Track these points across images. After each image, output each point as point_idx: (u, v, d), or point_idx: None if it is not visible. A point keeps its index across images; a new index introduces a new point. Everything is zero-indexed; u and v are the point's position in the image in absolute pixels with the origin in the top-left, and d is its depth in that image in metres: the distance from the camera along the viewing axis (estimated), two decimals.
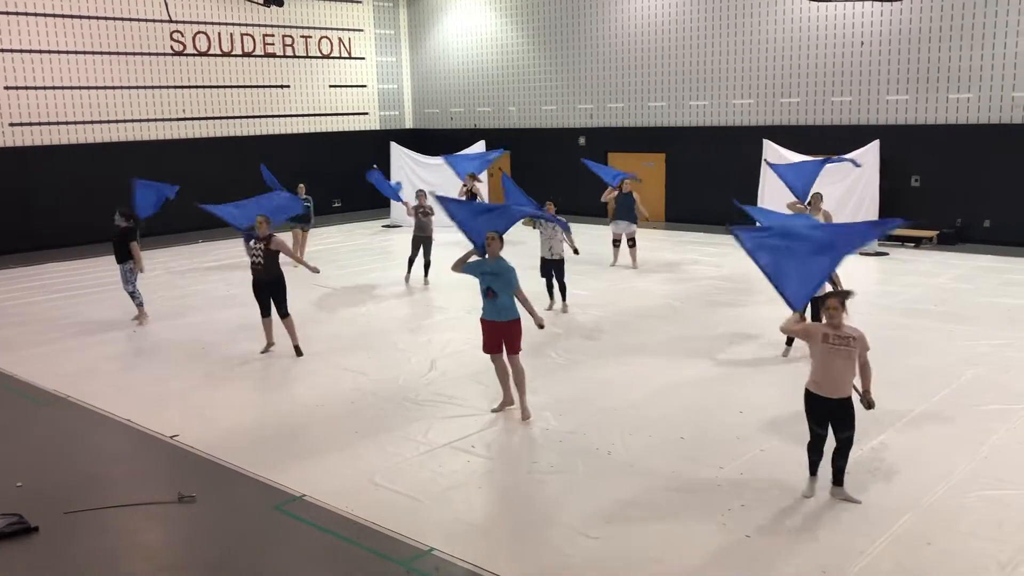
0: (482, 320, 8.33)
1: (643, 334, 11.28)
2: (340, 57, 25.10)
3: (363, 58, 25.73)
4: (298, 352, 10.47)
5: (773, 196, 18.00)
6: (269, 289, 10.48)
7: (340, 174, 24.97)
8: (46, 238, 19.48)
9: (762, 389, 9.13)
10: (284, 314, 10.48)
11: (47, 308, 13.74)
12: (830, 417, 6.37)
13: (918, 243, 17.33)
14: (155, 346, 11.42)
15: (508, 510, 6.50)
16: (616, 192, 15.99)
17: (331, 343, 11.09)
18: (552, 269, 12.44)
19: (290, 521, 6.48)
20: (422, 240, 14.62)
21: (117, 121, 20.77)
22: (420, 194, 14.98)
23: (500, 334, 8.21)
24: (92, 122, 20.36)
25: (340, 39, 25.03)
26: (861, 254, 16.76)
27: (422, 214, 14.77)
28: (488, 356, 8.43)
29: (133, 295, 12.39)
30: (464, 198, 18.19)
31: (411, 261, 14.76)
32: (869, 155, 16.98)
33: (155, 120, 21.43)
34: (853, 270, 14.53)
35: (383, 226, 22.29)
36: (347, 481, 7.06)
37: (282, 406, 8.99)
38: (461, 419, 8.38)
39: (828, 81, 18.86)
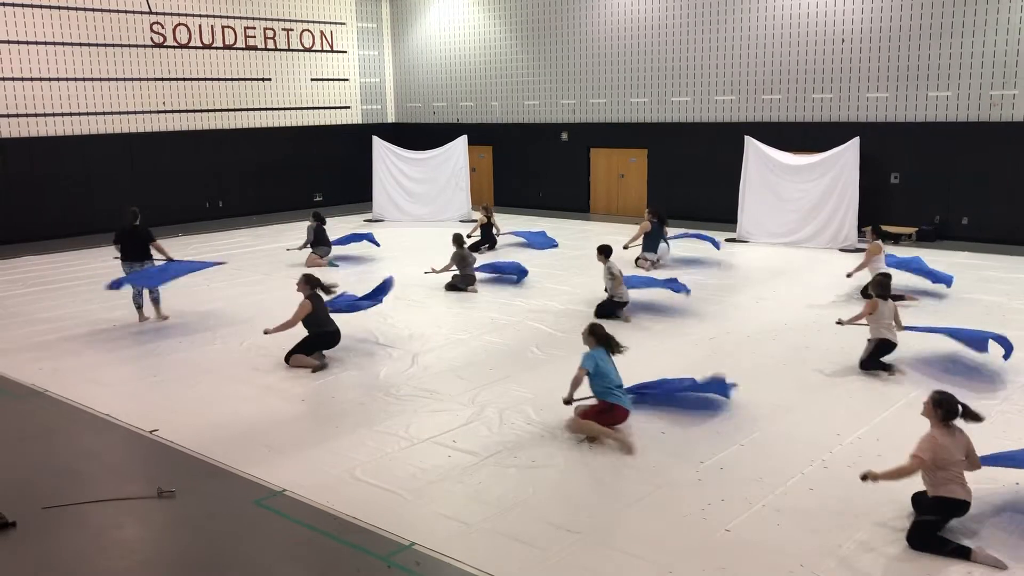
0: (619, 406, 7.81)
1: (621, 330, 11.31)
2: (322, 50, 24.97)
3: (345, 51, 25.62)
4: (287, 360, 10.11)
5: (755, 189, 18.13)
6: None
7: (322, 168, 24.89)
8: (23, 231, 19.29)
9: (740, 384, 9.17)
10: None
11: (24, 302, 13.61)
12: None
13: (897, 240, 17.46)
14: (133, 341, 11.34)
15: (489, 505, 6.50)
16: (648, 226, 15.36)
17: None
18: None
19: (270, 516, 6.46)
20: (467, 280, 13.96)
21: (96, 113, 20.57)
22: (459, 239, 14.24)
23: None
24: (71, 114, 20.16)
25: (322, 32, 24.91)
26: (841, 250, 16.89)
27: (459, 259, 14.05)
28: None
29: (137, 295, 12.11)
30: (479, 230, 17.85)
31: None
32: (849, 152, 17.11)
33: (134, 112, 21.23)
34: (834, 266, 14.65)
35: (365, 220, 22.22)
36: (327, 476, 7.04)
37: (262, 401, 8.94)
38: (442, 414, 8.38)
39: (809, 78, 18.96)
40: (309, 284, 10.21)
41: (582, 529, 6.11)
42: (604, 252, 12.22)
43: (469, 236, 17.10)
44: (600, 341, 7.95)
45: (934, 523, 5.79)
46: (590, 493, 6.73)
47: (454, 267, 13.97)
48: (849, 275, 13.01)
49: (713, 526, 6.12)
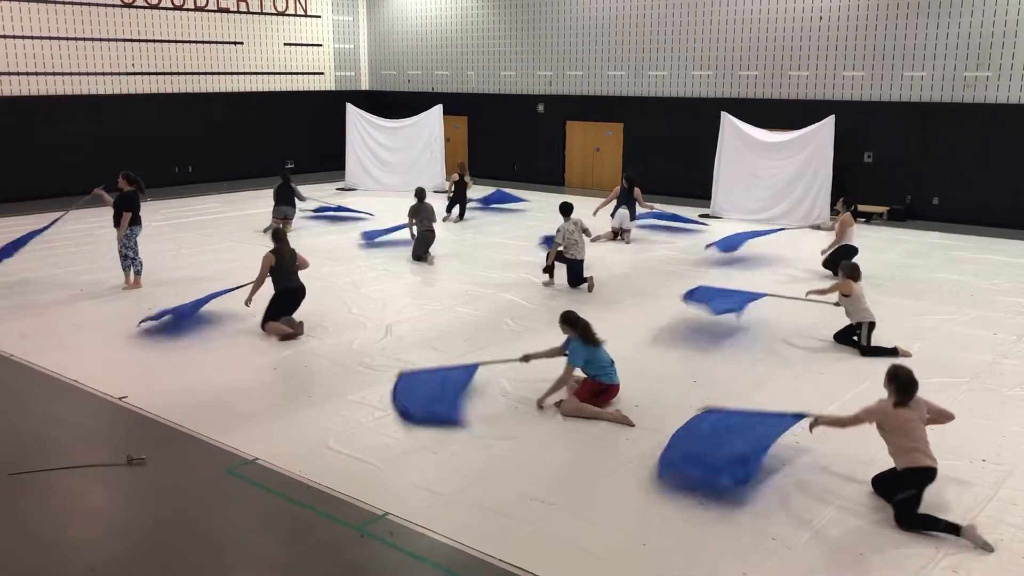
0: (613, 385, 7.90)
1: (596, 303, 11.32)
2: (295, 14, 24.56)
3: (319, 16, 25.22)
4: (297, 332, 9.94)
5: (730, 166, 18.18)
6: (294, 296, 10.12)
7: (294, 135, 24.56)
8: None
9: (715, 359, 9.23)
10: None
11: None
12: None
13: (868, 219, 17.60)
14: (102, 307, 11.16)
15: (463, 476, 6.50)
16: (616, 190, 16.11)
17: None
18: (566, 266, 12.10)
19: (242, 484, 6.41)
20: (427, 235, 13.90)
21: (61, 73, 20.10)
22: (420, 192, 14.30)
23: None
24: (35, 74, 19.67)
25: None
26: (812, 227, 16.99)
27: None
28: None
29: (132, 261, 11.89)
30: (452, 187, 17.78)
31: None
32: (824, 130, 17.18)
33: (102, 74, 20.78)
34: (805, 244, 14.73)
35: (337, 188, 22.00)
36: (300, 445, 6.99)
37: (234, 369, 8.85)
38: None
39: (786, 55, 18.97)
40: (275, 239, 10.18)
41: (556, 501, 6.13)
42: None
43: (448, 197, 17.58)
44: (576, 329, 7.81)
45: (913, 498, 5.82)
46: (564, 465, 6.75)
47: (415, 222, 13.84)
48: (824, 252, 13.04)
49: (688, 500, 6.15)
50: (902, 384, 5.96)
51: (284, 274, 10.04)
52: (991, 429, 7.39)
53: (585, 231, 12.23)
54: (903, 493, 5.84)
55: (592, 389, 7.77)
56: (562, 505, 6.07)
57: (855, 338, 9.46)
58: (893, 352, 9.26)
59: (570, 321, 7.88)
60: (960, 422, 7.42)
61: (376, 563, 5.47)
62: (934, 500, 6.13)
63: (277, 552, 5.58)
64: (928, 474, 5.87)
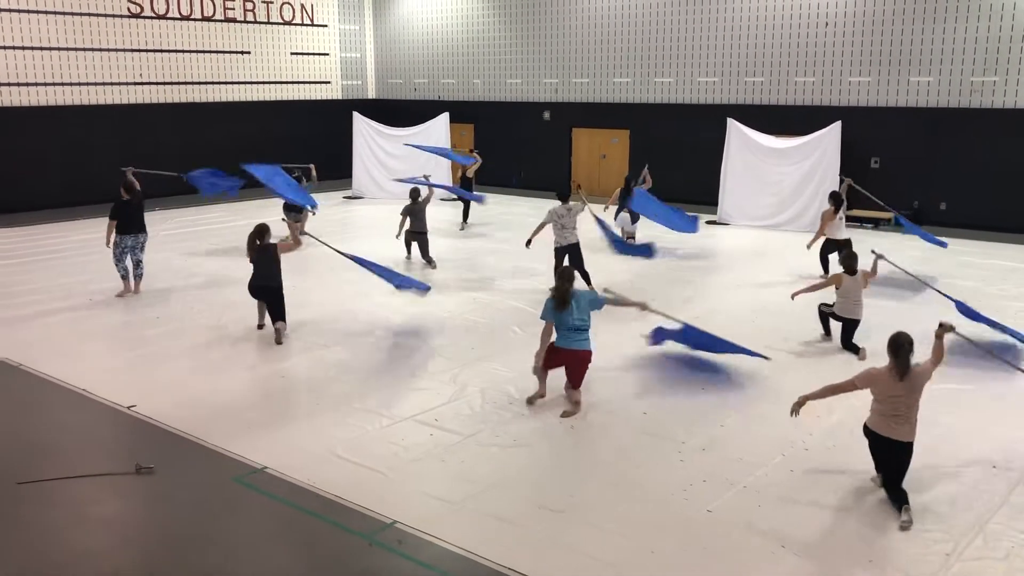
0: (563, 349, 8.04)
1: (603, 310, 11.29)
2: (302, 24, 24.64)
3: (325, 25, 25.30)
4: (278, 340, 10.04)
5: (737, 172, 18.17)
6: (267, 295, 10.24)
7: (301, 144, 24.59)
8: None
9: (722, 365, 9.21)
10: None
11: None
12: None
13: (876, 224, 17.57)
14: (110, 316, 11.19)
15: (471, 483, 6.49)
16: (616, 193, 15.98)
17: (290, 315, 10.94)
18: (566, 255, 12.14)
19: (251, 493, 6.41)
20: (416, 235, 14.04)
21: (70, 84, 20.19)
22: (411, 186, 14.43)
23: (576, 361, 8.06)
24: (44, 84, 19.77)
25: (302, 5, 24.56)
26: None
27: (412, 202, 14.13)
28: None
29: (116, 266, 11.88)
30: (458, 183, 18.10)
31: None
32: (830, 136, 17.16)
33: (110, 84, 20.87)
34: (814, 249, 14.71)
35: (344, 197, 22.05)
36: (308, 454, 7.00)
37: (241, 378, 8.87)
38: (424, 393, 8.35)
39: (792, 61, 18.96)
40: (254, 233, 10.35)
41: (564, 508, 6.12)
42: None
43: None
44: (560, 283, 8.09)
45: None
46: (572, 472, 6.74)
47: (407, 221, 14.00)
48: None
49: (695, 506, 6.14)
50: (892, 348, 6.11)
51: (255, 266, 10.17)
52: (1001, 435, 7.35)
53: (577, 213, 12.17)
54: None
55: (549, 350, 8.00)
56: (569, 512, 6.06)
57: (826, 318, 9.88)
58: (857, 350, 9.55)
59: (559, 275, 8.24)
60: (969, 427, 7.43)
61: (384, 572, 5.46)
62: (943, 505, 6.12)
63: (286, 561, 5.58)
64: (883, 443, 6.12)
